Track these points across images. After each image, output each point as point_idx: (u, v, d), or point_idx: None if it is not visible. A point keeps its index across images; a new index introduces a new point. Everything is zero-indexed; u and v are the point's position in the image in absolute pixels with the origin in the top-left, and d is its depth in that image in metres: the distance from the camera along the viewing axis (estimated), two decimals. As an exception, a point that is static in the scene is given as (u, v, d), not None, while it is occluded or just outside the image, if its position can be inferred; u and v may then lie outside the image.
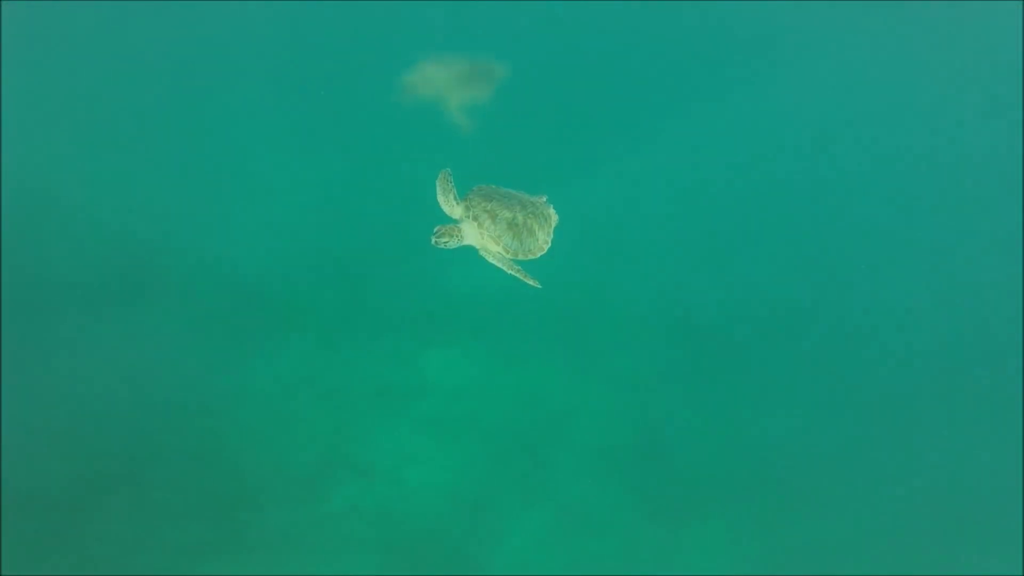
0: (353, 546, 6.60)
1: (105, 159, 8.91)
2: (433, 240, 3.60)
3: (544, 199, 4.22)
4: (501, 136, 11.32)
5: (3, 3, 7.99)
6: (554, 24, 12.21)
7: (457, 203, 3.83)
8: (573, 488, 8.69)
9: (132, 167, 8.94)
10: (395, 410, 8.60)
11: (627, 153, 11.82)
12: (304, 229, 9.46)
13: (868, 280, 11.61)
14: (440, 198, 3.86)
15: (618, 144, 11.83)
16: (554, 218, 4.08)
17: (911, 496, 9.41)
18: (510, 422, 9.24)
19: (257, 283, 8.62)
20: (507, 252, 3.68)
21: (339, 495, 7.10)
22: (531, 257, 3.82)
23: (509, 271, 3.72)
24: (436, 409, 8.88)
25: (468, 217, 3.71)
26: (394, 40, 11.06)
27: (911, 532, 8.92)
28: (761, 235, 11.82)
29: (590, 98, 12.20)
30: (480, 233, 3.66)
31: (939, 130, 11.98)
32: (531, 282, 3.71)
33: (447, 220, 3.85)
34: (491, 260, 3.74)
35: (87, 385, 6.90)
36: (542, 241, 3.88)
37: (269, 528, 6.25)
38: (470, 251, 4.14)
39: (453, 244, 3.66)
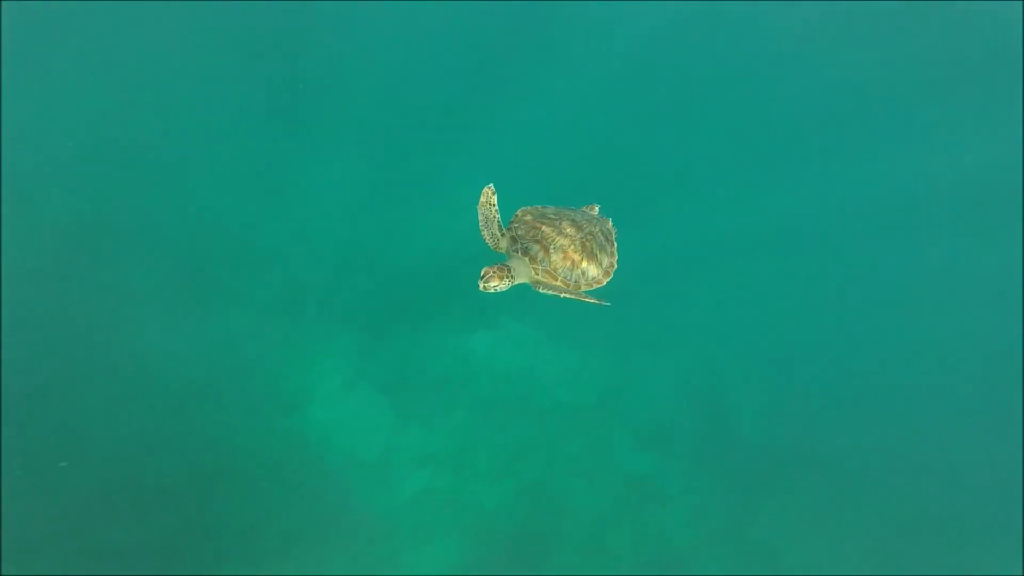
0: (430, 530, 6.79)
1: (140, 161, 9.06)
2: (481, 285, 2.89)
3: (597, 209, 3.56)
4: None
5: (3, 3, 7.91)
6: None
7: (502, 233, 3.13)
8: (636, 463, 8.72)
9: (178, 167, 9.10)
10: (449, 397, 8.73)
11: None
12: (350, 229, 9.62)
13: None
14: (483, 226, 3.10)
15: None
16: (613, 231, 3.45)
17: (911, 496, 9.25)
18: (562, 401, 9.29)
19: (311, 286, 8.82)
20: (567, 286, 3.03)
21: (410, 483, 7.29)
22: (595, 287, 3.13)
23: (570, 297, 3.03)
24: (488, 393, 8.99)
25: (516, 251, 3.03)
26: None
27: (910, 531, 8.72)
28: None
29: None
30: (533, 268, 2.99)
31: (938, 133, 11.64)
32: (598, 303, 3.03)
33: (492, 257, 3.11)
34: (549, 293, 3.05)
35: (185, 388, 7.29)
36: (606, 265, 3.19)
37: (355, 516, 6.49)
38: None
39: (504, 286, 2.92)
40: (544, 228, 3.07)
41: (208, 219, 8.57)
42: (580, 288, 3.08)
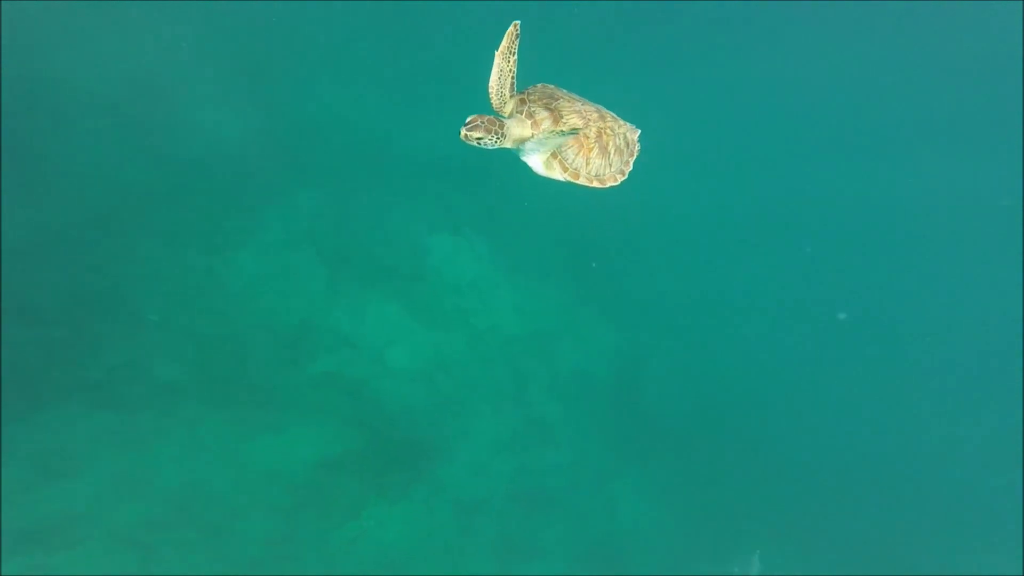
0: (323, 413, 6.74)
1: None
2: (463, 133, 2.51)
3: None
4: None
5: (3, 3, 6.90)
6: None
7: (512, 93, 2.73)
8: (544, 405, 8.94)
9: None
10: (389, 288, 8.48)
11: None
12: (339, 89, 8.75)
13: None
14: (493, 79, 2.66)
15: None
16: (636, 146, 3.02)
17: (911, 495, 9.82)
18: (499, 327, 9.24)
19: (281, 132, 8.11)
20: (565, 171, 2.71)
21: (318, 362, 7.14)
22: (596, 186, 2.79)
23: (564, 178, 2.74)
24: (430, 296, 8.77)
25: (520, 112, 2.66)
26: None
27: (912, 531, 9.32)
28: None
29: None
30: (533, 134, 2.63)
31: (937, 130, 11.40)
32: (598, 185, 2.73)
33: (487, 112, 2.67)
34: (540, 171, 2.76)
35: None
36: (616, 169, 2.86)
37: (247, 380, 6.32)
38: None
39: (489, 143, 2.56)
40: (562, 102, 2.73)
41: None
42: (578, 177, 2.77)
